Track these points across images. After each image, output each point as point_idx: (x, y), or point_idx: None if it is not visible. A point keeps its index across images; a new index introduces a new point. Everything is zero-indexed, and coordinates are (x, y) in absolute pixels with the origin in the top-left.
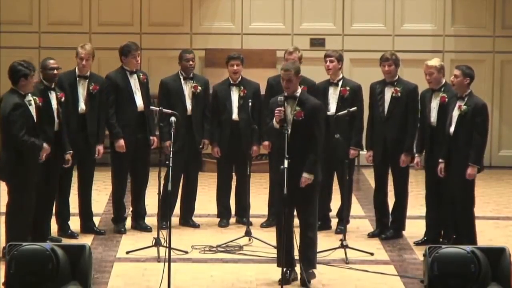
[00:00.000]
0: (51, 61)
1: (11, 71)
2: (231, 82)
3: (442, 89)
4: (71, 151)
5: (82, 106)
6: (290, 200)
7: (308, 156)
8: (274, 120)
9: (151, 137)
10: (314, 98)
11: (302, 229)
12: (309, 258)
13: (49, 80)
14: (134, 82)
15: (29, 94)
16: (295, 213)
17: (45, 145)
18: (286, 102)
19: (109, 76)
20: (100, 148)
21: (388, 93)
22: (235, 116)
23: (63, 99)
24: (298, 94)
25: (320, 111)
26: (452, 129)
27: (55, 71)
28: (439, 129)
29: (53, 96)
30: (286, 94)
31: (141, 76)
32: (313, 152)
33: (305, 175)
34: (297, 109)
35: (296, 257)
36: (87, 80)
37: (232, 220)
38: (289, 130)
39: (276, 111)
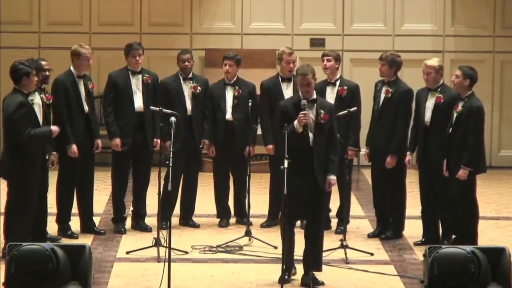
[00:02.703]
0: (43, 62)
1: (13, 71)
2: (226, 81)
3: (439, 90)
4: (55, 152)
5: (85, 106)
6: (303, 204)
7: (331, 158)
8: (297, 123)
9: (155, 139)
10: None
11: (314, 232)
12: (318, 262)
13: (41, 81)
14: (135, 82)
15: (36, 93)
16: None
17: (52, 127)
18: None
19: (110, 75)
20: (98, 141)
21: (383, 93)
22: (228, 115)
23: (50, 101)
24: (315, 97)
25: (334, 111)
26: (450, 130)
27: (47, 72)
28: (433, 129)
29: (42, 97)
30: (303, 97)
31: (145, 77)
32: (335, 153)
33: (332, 177)
34: (322, 112)
35: (299, 257)
36: (83, 79)
37: (232, 220)
38: (311, 134)
39: (301, 115)
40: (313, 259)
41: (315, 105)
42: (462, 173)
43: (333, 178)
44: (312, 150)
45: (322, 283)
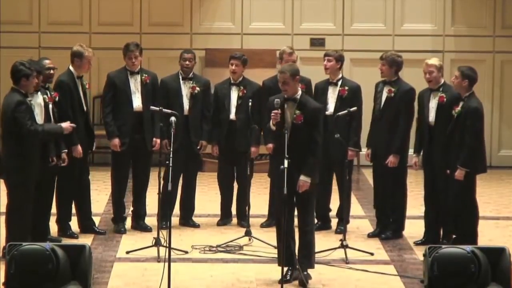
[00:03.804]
0: (47, 61)
1: (13, 71)
2: (231, 81)
3: (441, 89)
4: (66, 150)
5: (84, 106)
6: (290, 201)
7: (307, 159)
8: (271, 122)
9: (154, 139)
10: (314, 100)
11: (300, 230)
12: (307, 259)
13: (44, 80)
14: (134, 82)
15: (38, 94)
16: (295, 213)
17: (63, 124)
18: (286, 104)
19: (109, 75)
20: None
21: (385, 92)
22: (232, 115)
23: (57, 98)
24: (298, 97)
25: (320, 114)
26: (450, 130)
27: (51, 71)
28: (437, 128)
29: (45, 97)
30: (285, 96)
31: (144, 77)
32: (312, 155)
33: (302, 178)
34: (297, 113)
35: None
36: (80, 79)
37: (233, 220)
38: (288, 133)
39: (272, 114)
40: (305, 258)
41: (295, 105)
42: (459, 174)
43: (303, 179)
44: (288, 147)
45: (310, 277)
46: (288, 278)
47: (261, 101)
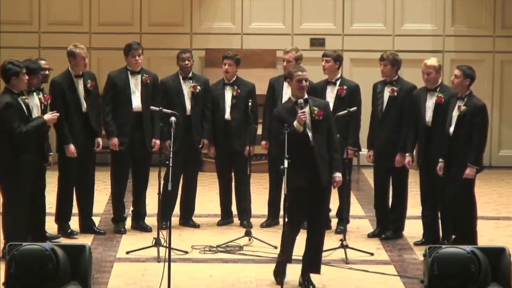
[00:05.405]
0: (42, 62)
1: (2, 71)
2: (225, 81)
3: (438, 89)
4: (52, 153)
5: (83, 105)
6: (304, 207)
7: (334, 156)
8: (297, 123)
9: (154, 139)
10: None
11: (311, 232)
12: (311, 260)
13: (40, 80)
14: (135, 82)
15: (34, 94)
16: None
17: (45, 116)
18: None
19: (109, 75)
20: (99, 140)
21: (387, 92)
22: (227, 115)
23: (49, 101)
24: (306, 97)
25: (329, 108)
26: (451, 129)
27: (47, 72)
28: (435, 129)
29: (41, 98)
30: (299, 97)
31: (144, 77)
32: (337, 151)
33: (338, 174)
34: (316, 109)
35: (299, 257)
36: (82, 78)
37: (234, 220)
38: (310, 134)
39: (300, 113)
40: (311, 260)
41: (308, 104)
42: (470, 172)
43: (338, 175)
44: (313, 150)
45: (312, 284)
46: (279, 279)
47: (266, 97)
